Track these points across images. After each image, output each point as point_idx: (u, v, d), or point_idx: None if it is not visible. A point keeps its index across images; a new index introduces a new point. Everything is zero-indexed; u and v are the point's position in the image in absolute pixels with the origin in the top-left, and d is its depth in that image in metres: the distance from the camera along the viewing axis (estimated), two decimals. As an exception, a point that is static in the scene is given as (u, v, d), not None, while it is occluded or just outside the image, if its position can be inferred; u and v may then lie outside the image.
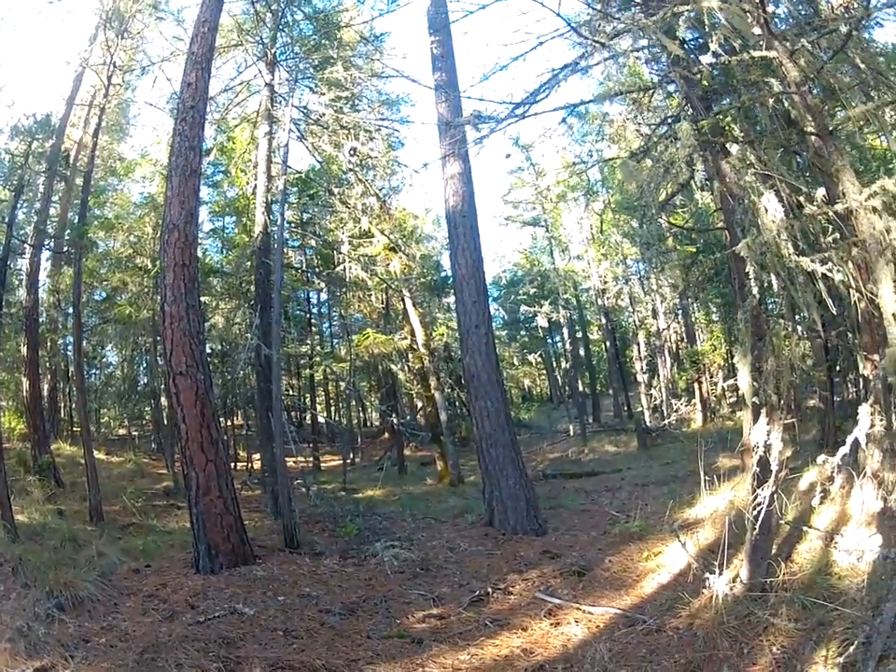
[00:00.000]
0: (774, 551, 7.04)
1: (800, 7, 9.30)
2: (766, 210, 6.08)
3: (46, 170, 16.54)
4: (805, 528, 7.72)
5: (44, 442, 15.80)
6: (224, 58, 18.12)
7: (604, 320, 32.74)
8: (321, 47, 17.28)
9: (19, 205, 16.10)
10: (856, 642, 4.71)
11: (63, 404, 25.90)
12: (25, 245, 17.29)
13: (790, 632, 5.51)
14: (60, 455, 17.22)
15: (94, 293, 23.07)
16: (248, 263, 19.07)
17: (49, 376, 22.39)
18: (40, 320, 18.64)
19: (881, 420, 5.82)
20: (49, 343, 21.69)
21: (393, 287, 22.27)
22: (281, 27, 17.15)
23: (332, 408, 37.24)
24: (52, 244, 18.59)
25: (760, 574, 6.43)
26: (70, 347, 23.09)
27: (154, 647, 6.21)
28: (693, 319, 30.62)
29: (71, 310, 17.81)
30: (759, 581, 6.36)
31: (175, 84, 16.93)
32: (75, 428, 22.61)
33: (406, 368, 23.16)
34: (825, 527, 7.66)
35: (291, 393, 30.19)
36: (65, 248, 18.23)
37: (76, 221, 16.80)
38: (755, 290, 6.14)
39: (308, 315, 31.80)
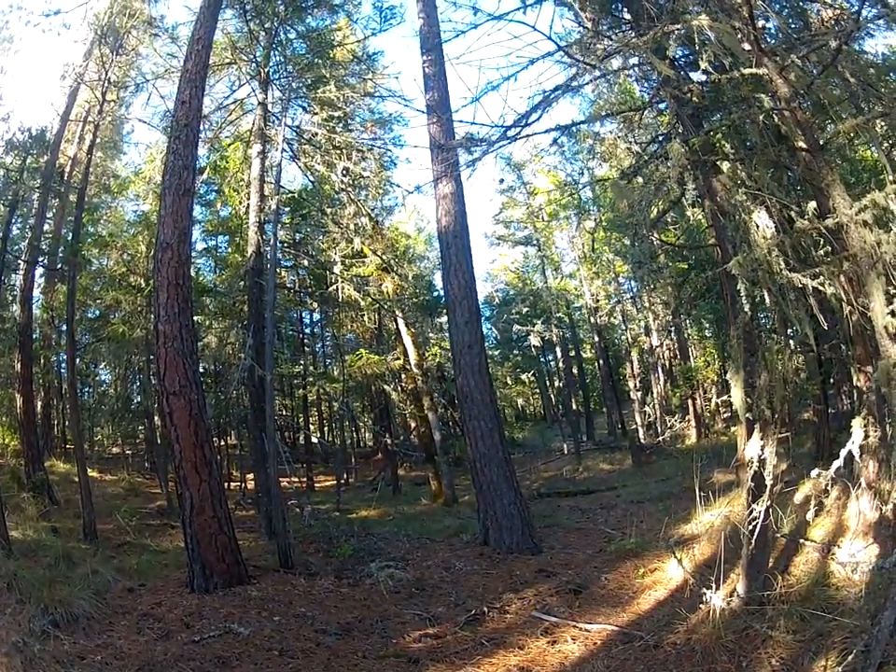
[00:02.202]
0: (771, 564, 7.05)
1: (790, 21, 9.38)
2: (757, 227, 6.11)
3: (40, 186, 16.52)
4: (801, 541, 7.73)
5: (37, 460, 15.76)
6: (218, 76, 18.20)
7: (597, 338, 32.78)
8: (314, 66, 17.32)
9: (13, 221, 16.12)
10: (855, 651, 4.72)
11: (56, 421, 25.81)
12: (19, 261, 17.27)
13: (788, 644, 5.50)
14: (53, 473, 17.16)
15: (88, 311, 23.01)
16: (241, 283, 19.11)
17: (42, 393, 22.40)
18: (34, 337, 18.62)
19: (875, 431, 5.84)
20: (42, 361, 21.67)
21: (385, 307, 22.29)
22: (274, 45, 17.23)
23: (326, 428, 37.23)
24: (46, 260, 18.55)
25: (757, 588, 6.43)
26: (64, 365, 23.11)
27: (149, 666, 6.20)
28: (686, 336, 30.69)
29: (65, 327, 17.79)
30: (756, 594, 6.36)
31: (168, 102, 16.99)
32: (68, 446, 22.56)
33: (399, 388, 23.21)
34: (822, 539, 7.68)
35: (285, 413, 30.10)
36: (59, 265, 18.21)
37: (69, 238, 16.77)
38: (746, 307, 6.16)
39: (301, 336, 31.74)
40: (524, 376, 39.05)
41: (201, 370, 15.75)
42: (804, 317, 6.13)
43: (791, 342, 7.59)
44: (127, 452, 25.93)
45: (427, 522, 15.50)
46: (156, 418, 20.54)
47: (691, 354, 30.54)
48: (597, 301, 31.50)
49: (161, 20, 17.80)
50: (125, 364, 25.33)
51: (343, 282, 20.66)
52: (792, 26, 9.25)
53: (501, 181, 17.12)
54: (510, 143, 8.98)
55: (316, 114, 17.69)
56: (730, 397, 6.74)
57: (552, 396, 44.48)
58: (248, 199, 17.24)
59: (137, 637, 6.99)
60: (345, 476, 25.73)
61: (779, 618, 5.85)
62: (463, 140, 9.24)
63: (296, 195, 21.29)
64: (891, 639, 4.42)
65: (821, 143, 6.29)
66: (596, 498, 16.70)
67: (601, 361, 33.93)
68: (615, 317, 33.99)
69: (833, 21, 8.62)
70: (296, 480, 18.87)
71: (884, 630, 4.43)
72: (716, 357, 26.70)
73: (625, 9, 9.99)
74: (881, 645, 4.39)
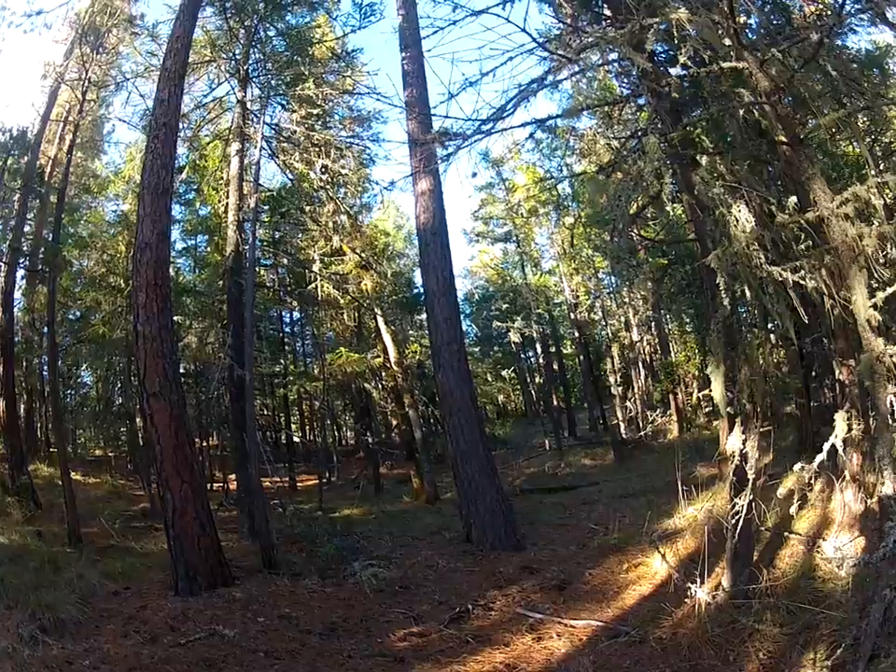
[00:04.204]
0: (756, 558, 7.08)
1: (772, 17, 9.39)
2: (737, 221, 6.12)
3: (21, 187, 16.37)
4: (786, 534, 7.77)
5: (21, 463, 15.58)
6: (197, 74, 18.04)
7: (577, 334, 32.75)
8: (293, 63, 17.20)
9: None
10: (844, 644, 4.73)
11: (39, 425, 25.65)
12: (0, 264, 17.10)
13: (776, 637, 5.53)
14: (37, 477, 17.01)
15: (69, 312, 22.87)
16: (221, 282, 18.99)
17: (25, 396, 22.16)
18: (15, 339, 18.44)
19: (859, 424, 5.87)
20: (24, 363, 21.49)
21: (365, 305, 22.23)
22: (254, 43, 17.07)
23: (307, 427, 37.08)
24: (27, 262, 18.37)
25: (742, 581, 6.45)
26: (46, 367, 22.90)
27: (137, 669, 6.18)
28: (667, 330, 30.78)
29: (46, 329, 17.63)
30: (741, 588, 6.38)
31: (148, 100, 16.88)
32: (51, 449, 22.34)
33: (380, 386, 23.13)
34: (807, 532, 7.73)
35: (266, 413, 30.00)
36: (40, 267, 18.04)
37: (50, 239, 16.63)
38: (726, 301, 6.17)
39: (281, 335, 31.64)
40: (504, 373, 39.13)
41: (181, 370, 15.65)
42: (784, 311, 6.14)
43: (772, 336, 7.60)
44: (110, 454, 25.73)
45: (410, 520, 15.50)
46: (137, 420, 20.40)
47: (672, 348, 30.65)
48: (577, 296, 31.47)
49: (141, 18, 17.65)
50: (106, 366, 25.21)
51: (322, 280, 20.57)
52: (775, 22, 9.27)
53: (474, 174, 17.15)
54: (485, 137, 8.90)
55: (295, 112, 17.61)
56: (711, 391, 6.75)
57: (532, 392, 44.53)
58: (227, 198, 17.14)
59: (124, 641, 6.93)
60: (327, 475, 25.66)
61: (766, 611, 5.88)
62: (437, 135, 9.18)
63: (275, 193, 21.19)
64: (881, 632, 4.43)
65: (802, 137, 6.30)
66: (579, 494, 16.73)
67: (582, 357, 33.99)
68: (595, 313, 34.01)
69: (815, 17, 8.64)
70: (278, 480, 18.77)
71: (873, 623, 4.44)
72: (697, 351, 26.77)
73: (605, 5, 9.98)
74: (871, 638, 4.40)
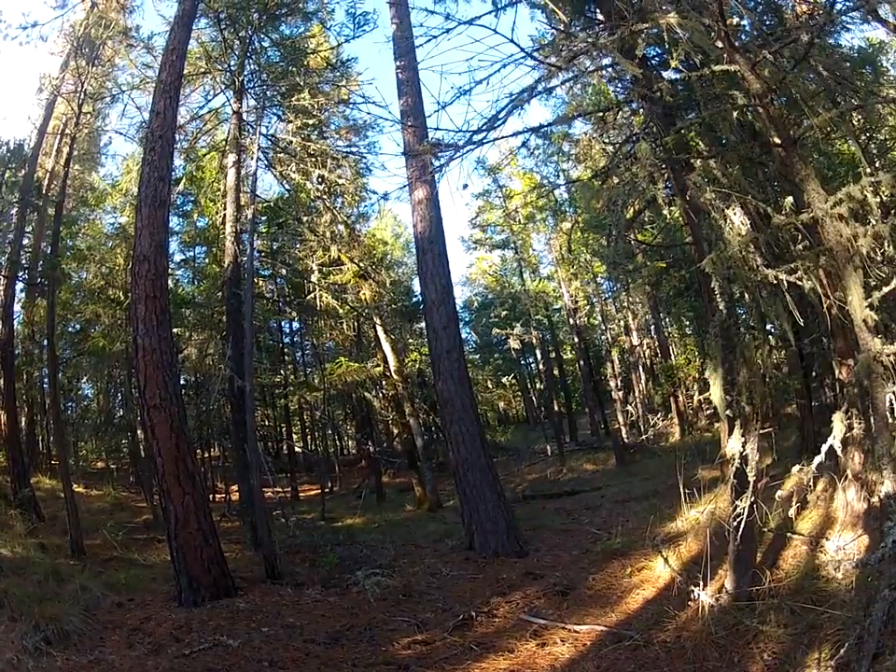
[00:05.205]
0: (759, 559, 7.08)
1: (764, 17, 9.43)
2: (732, 224, 6.12)
3: (19, 200, 16.36)
4: (788, 535, 7.76)
5: (23, 476, 15.50)
6: (193, 86, 18.10)
7: (577, 339, 32.72)
8: (288, 73, 17.19)
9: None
10: (847, 643, 4.73)
11: (41, 437, 25.57)
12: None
13: (780, 638, 5.52)
14: (39, 489, 16.94)
15: (68, 325, 22.86)
16: (220, 294, 18.98)
17: (26, 409, 22.13)
18: (16, 352, 18.41)
19: (860, 423, 5.87)
20: (25, 376, 21.46)
21: (364, 314, 22.24)
22: (249, 54, 17.05)
23: (308, 437, 37.04)
24: (26, 275, 18.35)
25: (745, 583, 6.45)
26: (46, 380, 22.87)
27: (141, 680, 6.16)
28: (667, 334, 30.80)
29: (46, 342, 17.62)
30: (745, 590, 6.38)
31: (144, 113, 16.82)
32: (53, 462, 22.30)
33: (380, 395, 23.11)
34: (809, 532, 7.71)
35: (267, 423, 29.99)
36: (39, 280, 18.01)
37: (48, 252, 16.62)
38: (722, 305, 6.16)
39: (280, 345, 31.57)
40: (504, 379, 39.01)
41: (181, 382, 15.61)
42: (781, 313, 6.15)
43: (771, 337, 7.61)
44: (112, 466, 25.69)
45: (412, 528, 15.45)
46: (139, 432, 20.38)
47: (672, 351, 30.65)
48: (576, 301, 31.47)
49: (136, 30, 17.72)
50: (106, 378, 25.23)
51: (321, 290, 20.57)
52: (767, 23, 9.29)
53: (465, 186, 17.04)
54: (477, 147, 8.88)
55: (291, 122, 17.64)
56: (710, 394, 6.75)
57: (533, 398, 44.55)
58: (225, 209, 17.14)
59: (128, 652, 6.93)
60: (329, 485, 25.62)
61: (769, 612, 5.87)
62: (430, 146, 9.17)
63: (272, 204, 21.24)
64: (884, 630, 4.43)
65: (795, 138, 6.31)
66: (581, 499, 16.68)
67: (582, 362, 33.94)
68: (594, 318, 34.02)
69: (807, 16, 8.66)
70: (280, 490, 18.77)
71: (876, 622, 4.44)
72: (697, 353, 26.76)
73: (598, 10, 10.00)
74: (874, 637, 4.40)
